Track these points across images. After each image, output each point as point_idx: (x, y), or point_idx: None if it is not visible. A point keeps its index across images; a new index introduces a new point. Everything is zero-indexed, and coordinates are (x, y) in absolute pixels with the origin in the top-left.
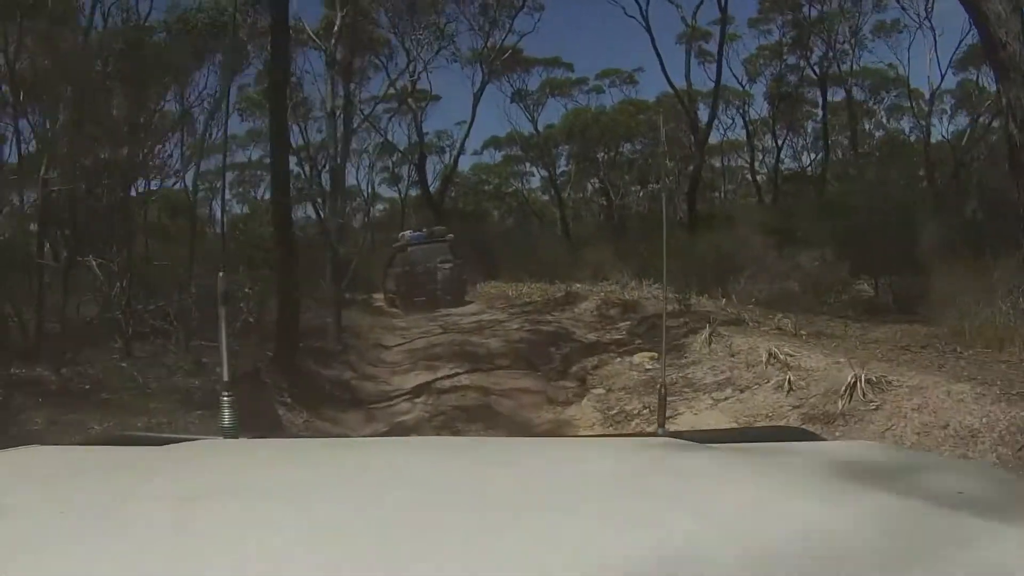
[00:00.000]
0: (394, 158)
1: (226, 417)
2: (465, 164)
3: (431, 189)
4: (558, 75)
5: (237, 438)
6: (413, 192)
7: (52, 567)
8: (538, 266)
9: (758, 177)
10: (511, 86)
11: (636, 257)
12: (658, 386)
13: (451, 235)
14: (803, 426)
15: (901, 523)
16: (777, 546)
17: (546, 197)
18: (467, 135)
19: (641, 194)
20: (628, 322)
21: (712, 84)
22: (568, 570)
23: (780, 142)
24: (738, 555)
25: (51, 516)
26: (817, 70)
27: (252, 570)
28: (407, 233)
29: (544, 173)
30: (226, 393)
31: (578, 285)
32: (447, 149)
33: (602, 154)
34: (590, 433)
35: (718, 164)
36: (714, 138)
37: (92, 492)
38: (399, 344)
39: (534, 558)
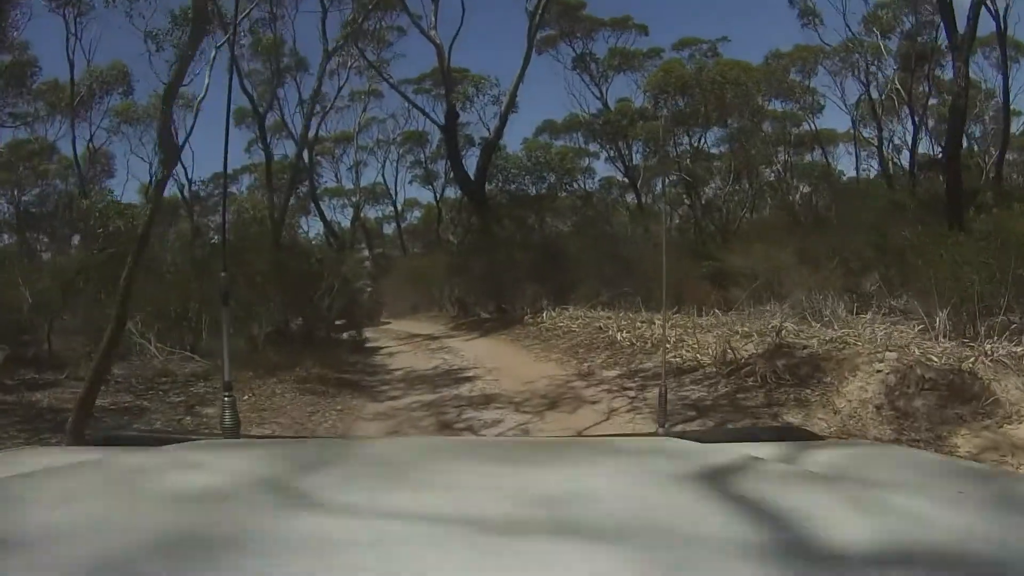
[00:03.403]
0: (427, 151)
1: (226, 417)
2: (514, 143)
3: (466, 167)
4: (626, 42)
5: (237, 437)
6: (451, 194)
7: (52, 568)
8: (640, 283)
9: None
10: (573, 50)
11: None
12: (660, 386)
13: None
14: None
15: (901, 523)
16: (777, 546)
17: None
18: (521, 75)
19: (725, 191)
20: None
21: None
22: (569, 570)
23: (918, 117)
24: (738, 555)
25: (51, 516)
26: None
27: (253, 571)
28: None
29: (616, 167)
30: (226, 393)
31: (789, 325)
32: (489, 106)
33: (686, 139)
34: (591, 434)
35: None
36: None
37: (92, 492)
38: None
39: (535, 558)
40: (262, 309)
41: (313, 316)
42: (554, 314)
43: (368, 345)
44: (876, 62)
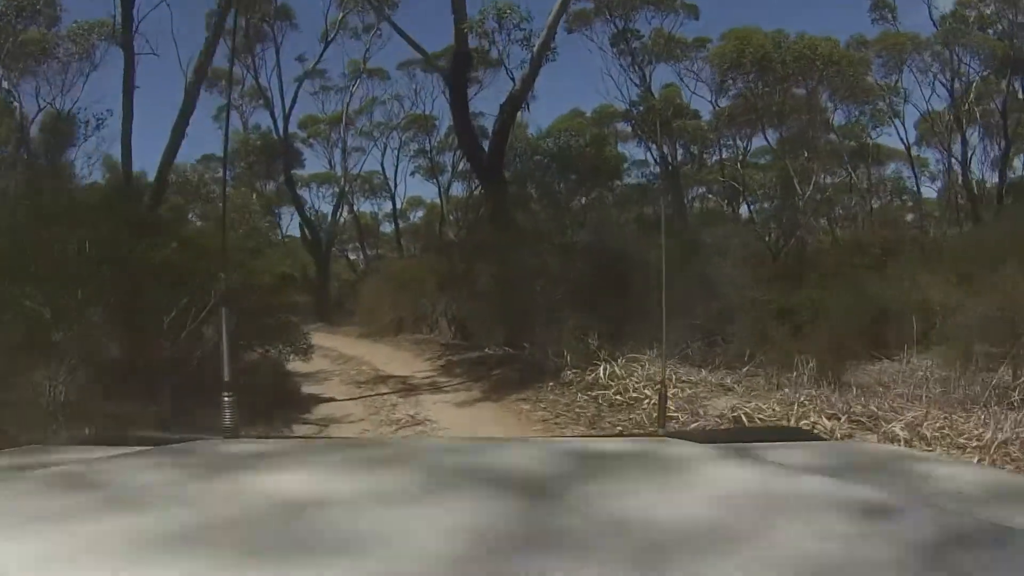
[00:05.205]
0: (434, 140)
1: (226, 417)
2: (542, 119)
3: (479, 138)
4: (671, 25)
5: (237, 438)
6: (458, 191)
7: (51, 567)
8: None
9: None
10: (615, 26)
11: None
12: (658, 386)
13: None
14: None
15: (901, 523)
16: (777, 546)
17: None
18: (560, 13)
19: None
20: None
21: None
22: (567, 568)
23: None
24: (737, 554)
25: (50, 516)
26: None
27: (252, 571)
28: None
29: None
30: (226, 393)
31: None
32: (515, 49)
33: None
34: (590, 433)
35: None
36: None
37: (91, 492)
38: None
39: (534, 556)
40: (71, 328)
41: (182, 345)
42: (619, 370)
43: (306, 391)
44: (972, 62)
